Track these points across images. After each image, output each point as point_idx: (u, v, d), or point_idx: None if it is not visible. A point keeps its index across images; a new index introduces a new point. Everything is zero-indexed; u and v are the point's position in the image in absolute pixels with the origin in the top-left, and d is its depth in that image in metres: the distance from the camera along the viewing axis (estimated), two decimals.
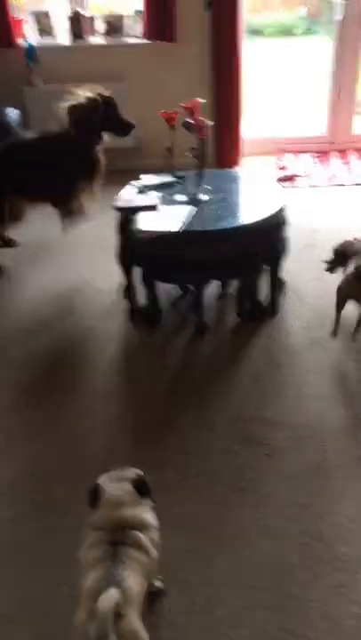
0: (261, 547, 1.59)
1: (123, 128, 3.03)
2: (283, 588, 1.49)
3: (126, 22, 4.10)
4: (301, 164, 4.17)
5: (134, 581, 1.17)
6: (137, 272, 2.56)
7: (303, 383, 2.18)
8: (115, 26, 4.09)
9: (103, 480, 1.31)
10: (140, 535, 1.26)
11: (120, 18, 4.08)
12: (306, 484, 1.77)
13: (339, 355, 2.32)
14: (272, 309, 2.60)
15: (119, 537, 1.23)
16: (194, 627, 1.41)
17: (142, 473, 1.34)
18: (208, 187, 2.62)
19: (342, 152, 4.31)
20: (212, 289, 2.76)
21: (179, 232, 2.28)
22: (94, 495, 1.29)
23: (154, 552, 1.27)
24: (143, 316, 2.62)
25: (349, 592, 1.46)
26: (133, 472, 1.34)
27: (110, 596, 1.07)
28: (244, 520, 1.67)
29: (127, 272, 2.61)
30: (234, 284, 2.70)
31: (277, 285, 2.62)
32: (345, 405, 2.07)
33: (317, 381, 2.19)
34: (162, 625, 1.24)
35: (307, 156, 4.27)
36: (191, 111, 2.40)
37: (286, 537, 1.61)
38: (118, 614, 1.07)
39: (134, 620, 1.13)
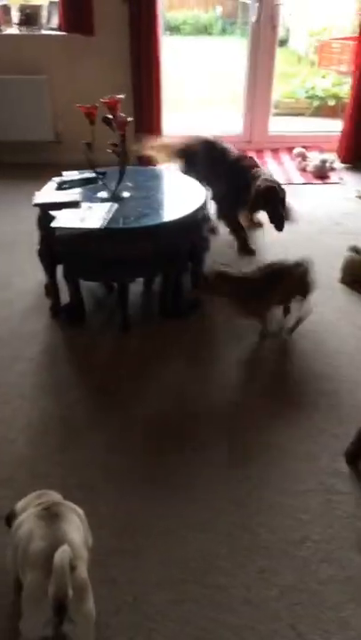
0: (190, 541, 1.61)
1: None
2: (209, 579, 1.52)
3: (43, 13, 3.99)
4: None
5: (77, 536, 1.25)
6: (60, 269, 2.51)
7: (224, 376, 2.23)
8: (31, 16, 3.96)
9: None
10: (70, 503, 1.35)
11: (37, 8, 3.96)
12: (230, 476, 1.81)
13: (258, 347, 2.39)
14: (195, 305, 2.64)
15: (51, 505, 1.31)
16: (123, 625, 1.41)
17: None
18: (130, 184, 2.61)
19: (259, 152, 4.42)
20: (136, 286, 2.75)
21: (100, 229, 2.25)
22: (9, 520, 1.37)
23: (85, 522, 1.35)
24: (67, 315, 2.57)
25: (271, 576, 1.52)
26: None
27: (64, 549, 1.12)
28: (172, 516, 1.68)
29: (49, 269, 2.55)
30: (158, 281, 2.71)
31: (200, 281, 2.66)
32: (265, 396, 2.14)
33: (237, 374, 2.25)
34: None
35: None
36: (111, 107, 2.37)
37: (214, 530, 1.64)
38: (71, 567, 1.14)
39: (84, 571, 1.20)
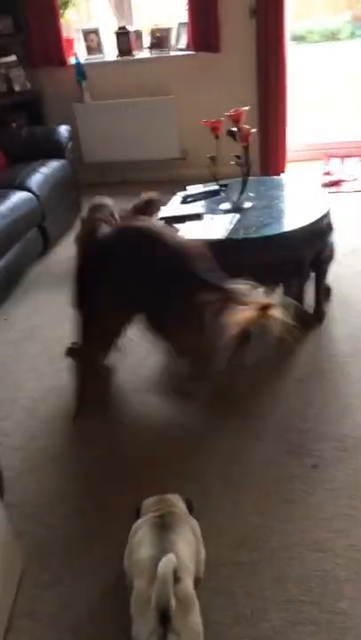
0: (308, 560, 1.55)
1: None
2: (329, 603, 1.45)
3: (172, 35, 4.17)
4: (348, 168, 4.10)
5: (185, 549, 1.24)
6: None
7: (350, 393, 2.13)
8: (160, 39, 4.16)
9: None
10: (185, 512, 1.35)
11: (166, 31, 4.15)
12: (354, 496, 1.72)
13: None
14: (318, 317, 2.56)
15: (166, 513, 1.32)
16: (237, 638, 1.39)
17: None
18: (252, 194, 2.61)
19: None
20: None
21: (222, 240, 2.28)
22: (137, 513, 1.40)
23: (198, 536, 1.35)
24: None
25: None
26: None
27: (169, 559, 1.12)
28: (290, 532, 1.63)
29: None
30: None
31: (323, 292, 2.58)
32: None
33: None
34: (207, 635, 1.24)
35: (353, 161, 4.19)
36: (235, 119, 2.40)
37: (333, 551, 1.57)
38: (176, 578, 1.13)
39: (190, 585, 1.19)
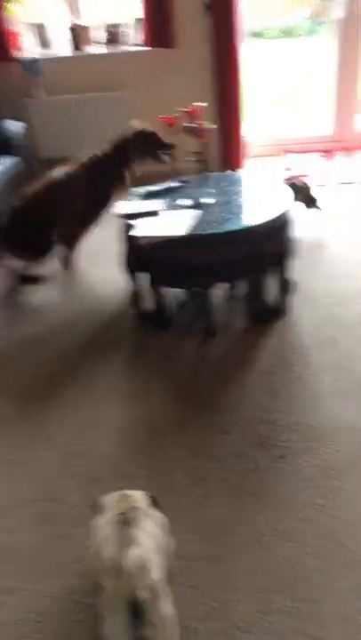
0: (277, 550, 1.57)
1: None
2: (299, 591, 1.46)
3: (126, 31, 4.13)
4: (306, 163, 4.15)
5: (149, 543, 1.24)
6: (143, 277, 2.56)
7: (315, 383, 2.16)
8: (115, 35, 4.12)
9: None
10: (150, 509, 1.35)
11: (119, 26, 4.11)
12: (321, 485, 1.75)
13: (350, 353, 2.29)
14: (281, 310, 2.58)
15: (129, 509, 1.32)
16: (210, 632, 1.39)
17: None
18: (212, 190, 2.62)
19: (348, 150, 4.28)
20: (220, 291, 2.75)
21: (184, 236, 2.27)
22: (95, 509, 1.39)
23: (164, 529, 1.35)
24: (152, 322, 2.62)
25: None
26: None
27: (135, 552, 1.14)
28: (259, 524, 1.65)
29: (133, 278, 2.62)
30: (242, 286, 2.68)
31: (286, 286, 2.61)
32: (357, 403, 2.04)
33: (329, 381, 2.16)
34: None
35: (312, 156, 4.25)
36: (193, 116, 2.40)
37: (303, 540, 1.59)
38: (144, 569, 1.14)
39: (156, 573, 1.19)
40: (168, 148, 2.82)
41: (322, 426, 1.96)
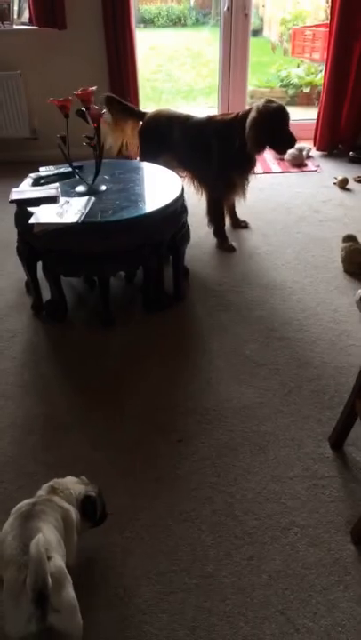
0: (176, 531, 1.62)
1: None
2: (197, 568, 1.53)
3: (14, 8, 3.94)
4: None
5: (51, 533, 1.25)
6: (40, 266, 2.49)
7: (210, 368, 2.24)
8: (1, 12, 3.90)
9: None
10: (55, 499, 1.36)
11: (7, 3, 3.90)
12: (216, 464, 1.82)
13: (241, 338, 2.40)
14: (177, 297, 2.64)
15: (38, 502, 1.33)
16: (114, 620, 1.41)
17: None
18: (107, 177, 2.59)
19: None
20: (117, 280, 2.75)
21: (77, 224, 2.23)
22: None
23: (71, 523, 1.37)
24: (49, 312, 2.55)
25: (259, 563, 1.53)
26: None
27: (38, 539, 1.13)
28: (159, 508, 1.69)
29: (29, 266, 2.53)
30: (139, 275, 2.70)
31: (181, 274, 2.66)
32: (248, 386, 2.15)
33: (223, 365, 2.25)
34: (83, 624, 1.24)
35: None
36: (84, 99, 2.35)
37: (199, 519, 1.65)
38: (47, 557, 1.14)
39: (60, 561, 1.21)
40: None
41: (216, 408, 2.04)
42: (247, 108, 2.83)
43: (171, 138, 2.91)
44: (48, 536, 1.23)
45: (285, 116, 2.72)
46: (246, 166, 2.89)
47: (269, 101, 2.72)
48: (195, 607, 1.44)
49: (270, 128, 2.69)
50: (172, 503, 1.70)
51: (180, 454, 1.86)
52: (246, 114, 2.74)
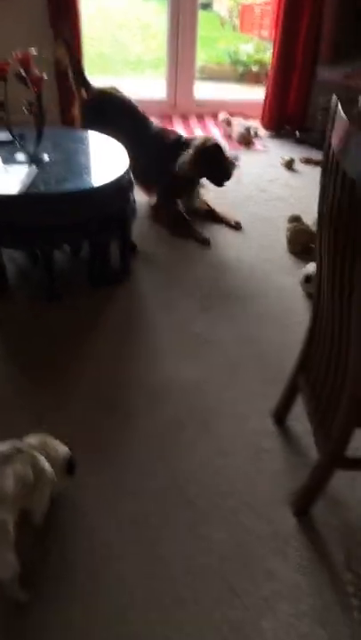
0: (122, 507, 1.61)
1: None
2: (140, 536, 1.53)
3: None
4: None
5: (11, 484, 1.29)
6: None
7: (157, 345, 2.23)
8: None
9: None
10: (32, 453, 1.41)
11: None
12: (160, 439, 1.83)
13: (187, 315, 2.40)
14: (124, 273, 2.59)
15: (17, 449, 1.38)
16: (52, 594, 1.40)
17: None
18: (50, 146, 2.49)
19: (184, 117, 4.37)
20: (62, 254, 2.67)
21: (19, 195, 2.14)
22: None
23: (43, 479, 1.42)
24: None
25: (201, 531, 1.56)
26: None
27: None
28: (103, 484, 1.67)
29: None
30: (85, 249, 2.63)
31: (128, 249, 2.62)
32: (193, 362, 2.15)
33: (169, 341, 2.25)
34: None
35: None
36: (22, 63, 2.22)
37: (144, 493, 1.65)
38: None
39: (7, 517, 1.26)
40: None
41: (162, 383, 2.04)
42: (188, 137, 3.09)
43: (117, 128, 2.79)
44: (7, 486, 1.27)
45: (221, 153, 2.94)
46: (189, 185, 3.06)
47: (207, 139, 2.94)
48: (137, 572, 1.44)
49: (207, 164, 2.90)
50: (117, 478, 1.69)
51: (124, 429, 1.85)
52: (188, 142, 2.96)
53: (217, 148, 2.92)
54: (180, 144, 2.97)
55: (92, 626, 1.34)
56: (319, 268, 1.54)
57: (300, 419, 1.89)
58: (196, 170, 2.91)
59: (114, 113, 3.00)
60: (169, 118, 4.34)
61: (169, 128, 3.19)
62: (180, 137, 3.05)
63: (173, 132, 3.15)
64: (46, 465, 1.45)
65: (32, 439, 1.51)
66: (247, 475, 1.73)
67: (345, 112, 1.26)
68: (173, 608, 1.38)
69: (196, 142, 2.93)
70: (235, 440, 1.84)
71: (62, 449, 1.55)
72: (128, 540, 1.53)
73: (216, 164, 2.93)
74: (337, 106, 1.30)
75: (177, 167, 2.89)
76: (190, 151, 2.88)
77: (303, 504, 1.61)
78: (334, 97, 1.32)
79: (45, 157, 2.42)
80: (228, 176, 2.97)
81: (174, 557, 1.49)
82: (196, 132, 4.18)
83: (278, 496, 1.67)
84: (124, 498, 1.63)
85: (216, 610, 1.39)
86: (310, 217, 2.83)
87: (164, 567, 1.47)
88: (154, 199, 3.08)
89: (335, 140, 1.30)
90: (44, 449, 1.49)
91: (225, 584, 1.44)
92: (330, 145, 1.34)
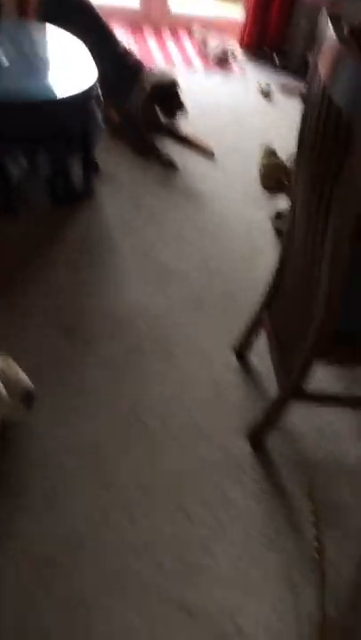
0: (77, 430, 1.58)
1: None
2: (98, 464, 1.51)
3: None
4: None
5: None
6: None
7: (120, 269, 2.13)
8: None
9: None
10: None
11: None
12: (121, 369, 1.78)
13: (153, 241, 2.30)
14: (86, 192, 2.44)
15: None
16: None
17: None
18: (6, 43, 2.23)
19: (157, 30, 4.03)
20: (19, 168, 2.47)
21: None
22: None
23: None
24: None
25: (157, 455, 1.57)
26: None
27: None
28: (59, 407, 1.63)
29: None
30: (45, 165, 2.43)
31: (91, 167, 2.44)
32: (158, 291, 2.08)
33: (132, 267, 2.15)
34: None
35: (117, 31, 3.89)
36: None
37: (101, 418, 1.63)
38: None
39: None
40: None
41: (124, 311, 1.97)
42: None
43: (79, 32, 2.50)
44: None
45: (176, 95, 2.85)
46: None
47: (163, 76, 2.86)
48: (93, 503, 1.43)
49: (160, 102, 2.85)
50: (76, 406, 1.65)
51: (84, 355, 1.79)
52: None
53: (173, 85, 2.83)
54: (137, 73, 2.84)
55: (46, 545, 1.33)
56: (294, 198, 1.47)
57: (261, 355, 1.87)
58: (149, 110, 2.86)
59: (76, 17, 2.70)
60: (140, 30, 3.99)
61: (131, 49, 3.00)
62: (141, 64, 2.91)
63: (134, 55, 2.98)
64: (1, 386, 1.38)
65: None
66: (207, 406, 1.72)
67: (336, 33, 1.14)
68: (126, 527, 1.39)
69: (153, 79, 2.81)
70: (196, 372, 1.81)
71: (24, 377, 1.49)
72: (82, 464, 1.51)
73: (169, 102, 2.87)
74: (327, 26, 1.18)
75: (130, 104, 2.80)
76: (145, 87, 2.77)
77: (260, 435, 1.63)
78: (324, 16, 1.20)
79: (2, 58, 2.17)
80: (174, 115, 2.90)
81: (128, 484, 1.48)
82: (169, 46, 3.88)
83: (237, 428, 1.67)
84: (80, 422, 1.60)
85: (168, 530, 1.40)
86: (286, 151, 2.71)
87: (120, 495, 1.46)
88: (115, 116, 2.88)
89: (322, 64, 1.19)
90: (5, 371, 1.42)
91: (181, 511, 1.45)
92: (315, 70, 1.23)
